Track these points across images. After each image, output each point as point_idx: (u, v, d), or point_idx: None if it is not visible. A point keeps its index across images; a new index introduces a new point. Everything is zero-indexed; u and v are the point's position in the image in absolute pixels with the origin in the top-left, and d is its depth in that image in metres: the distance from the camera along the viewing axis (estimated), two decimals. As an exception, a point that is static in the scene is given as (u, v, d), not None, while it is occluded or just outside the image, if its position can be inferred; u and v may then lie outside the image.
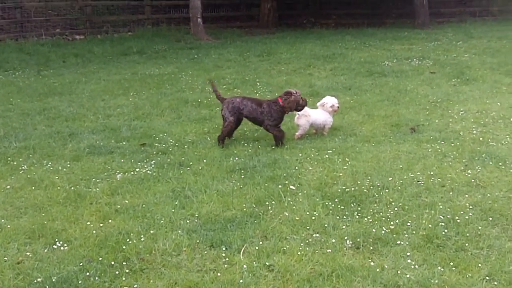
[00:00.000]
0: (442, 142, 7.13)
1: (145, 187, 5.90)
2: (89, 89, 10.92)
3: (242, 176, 6.12)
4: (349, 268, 4.22)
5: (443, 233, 4.74)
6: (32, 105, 9.66)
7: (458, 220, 4.96)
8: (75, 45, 16.64)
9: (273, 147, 7.08)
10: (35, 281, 4.11)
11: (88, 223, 5.06)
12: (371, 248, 4.56)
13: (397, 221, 4.98)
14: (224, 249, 4.56)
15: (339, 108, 7.73)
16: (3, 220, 5.14)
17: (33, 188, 5.93)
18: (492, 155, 6.58)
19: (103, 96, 10.31)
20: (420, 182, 5.86)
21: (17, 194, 5.79)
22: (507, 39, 16.78)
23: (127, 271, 4.26)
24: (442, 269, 4.21)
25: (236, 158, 6.70)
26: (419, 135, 7.49)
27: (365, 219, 5.04)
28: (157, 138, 7.60)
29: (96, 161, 6.75)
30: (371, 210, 5.22)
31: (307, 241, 4.68)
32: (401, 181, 5.88)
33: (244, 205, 5.37)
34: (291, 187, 5.79)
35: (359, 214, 5.14)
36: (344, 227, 4.90)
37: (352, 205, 5.33)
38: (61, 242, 4.70)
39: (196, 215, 5.18)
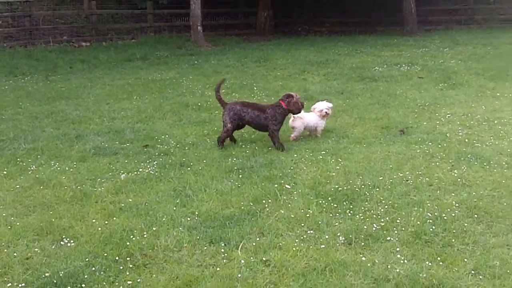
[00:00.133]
0: (430, 144, 7.13)
1: (147, 187, 5.89)
2: (95, 94, 10.92)
3: (240, 176, 6.12)
4: (342, 263, 4.22)
5: (431, 229, 4.75)
6: (41, 108, 9.65)
7: (445, 217, 4.97)
8: (82, 52, 16.63)
9: (270, 148, 7.08)
10: (43, 275, 4.10)
11: (94, 220, 5.06)
12: (363, 244, 4.56)
13: (387, 218, 4.99)
14: (223, 245, 4.56)
15: (327, 113, 7.60)
16: (12, 218, 5.13)
17: (41, 187, 5.92)
18: (477, 155, 6.59)
19: (108, 100, 10.30)
20: (409, 181, 5.86)
21: (26, 193, 5.78)
22: (491, 45, 16.81)
23: (131, 266, 4.26)
24: (430, 264, 4.21)
25: (234, 159, 6.70)
26: (408, 137, 7.49)
27: (357, 216, 5.05)
28: (159, 140, 7.59)
29: (101, 162, 6.74)
30: (362, 208, 5.23)
31: (302, 238, 4.68)
32: (391, 181, 5.89)
33: (242, 203, 5.36)
34: (287, 186, 5.79)
35: (351, 212, 5.14)
36: (337, 224, 4.90)
37: (345, 203, 5.33)
38: (68, 239, 4.70)
39: (196, 213, 5.17)
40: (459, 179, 5.90)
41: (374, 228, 4.77)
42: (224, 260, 4.34)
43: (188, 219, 5.05)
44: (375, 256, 4.34)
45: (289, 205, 5.32)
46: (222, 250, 4.47)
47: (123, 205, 5.42)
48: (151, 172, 6.32)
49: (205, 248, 4.53)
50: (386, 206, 5.24)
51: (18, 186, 5.95)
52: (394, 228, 4.79)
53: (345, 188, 5.69)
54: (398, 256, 4.33)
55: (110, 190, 5.81)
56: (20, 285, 4.01)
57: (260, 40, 20.36)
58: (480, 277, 4.05)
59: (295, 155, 6.79)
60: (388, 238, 4.61)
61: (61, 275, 4.08)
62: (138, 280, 4.06)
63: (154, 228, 4.86)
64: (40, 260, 4.35)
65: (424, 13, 22.92)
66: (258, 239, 4.65)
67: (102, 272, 4.15)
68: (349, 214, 5.10)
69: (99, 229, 4.86)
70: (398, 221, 4.93)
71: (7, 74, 13.29)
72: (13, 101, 10.33)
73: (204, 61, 15.06)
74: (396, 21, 21.94)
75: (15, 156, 6.96)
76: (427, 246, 4.50)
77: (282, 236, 4.72)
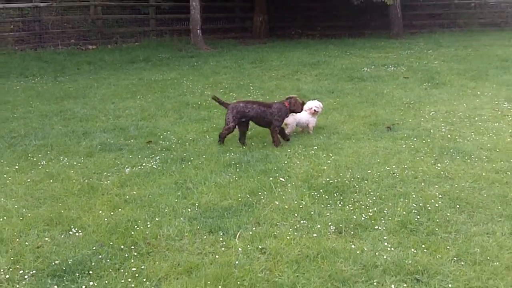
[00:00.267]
0: (415, 139, 7.14)
1: (151, 180, 5.88)
2: (101, 93, 10.88)
3: (237, 170, 6.11)
4: (333, 250, 4.23)
5: (416, 219, 4.75)
6: (50, 107, 9.62)
7: (429, 208, 4.98)
8: (88, 54, 16.57)
9: (265, 144, 7.07)
10: (53, 263, 4.10)
11: (100, 211, 5.05)
12: (352, 232, 4.56)
13: (375, 208, 4.99)
14: (221, 234, 4.55)
15: (316, 111, 7.57)
16: (24, 210, 5.12)
17: (51, 181, 5.91)
18: (459, 150, 6.60)
19: (113, 99, 10.27)
20: (395, 174, 5.87)
21: (37, 186, 5.77)
22: (472, 48, 16.82)
23: (135, 254, 4.25)
24: (415, 251, 4.22)
25: (232, 154, 6.69)
26: (394, 133, 7.50)
27: (347, 207, 5.05)
28: (161, 136, 7.58)
29: (107, 157, 6.73)
30: (352, 199, 5.23)
31: (295, 227, 4.68)
32: (379, 174, 5.89)
33: (239, 195, 5.36)
34: (281, 179, 5.79)
35: (341, 203, 5.15)
36: (328, 214, 4.90)
37: (335, 195, 5.33)
38: (76, 229, 4.69)
39: (197, 204, 5.17)
40: (442, 172, 5.91)
41: (363, 218, 4.78)
42: (223, 248, 4.34)
43: (189, 210, 5.05)
44: (364, 244, 4.35)
45: (283, 196, 5.32)
46: (221, 239, 4.47)
47: (127, 197, 5.41)
48: (154, 166, 6.31)
49: (205, 237, 4.53)
50: (374, 198, 5.25)
51: (29, 180, 5.94)
52: (382, 218, 4.80)
53: (335, 180, 5.69)
54: (386, 244, 4.34)
55: (116, 183, 5.80)
56: (31, 272, 4.00)
57: (256, 43, 20.31)
58: (462, 263, 4.06)
59: (289, 150, 6.79)
60: (376, 227, 4.62)
61: (70, 262, 4.08)
62: (142, 267, 4.06)
63: (157, 219, 4.85)
64: (50, 249, 4.34)
65: (409, 17, 22.95)
66: (254, 228, 4.65)
67: (108, 260, 4.15)
68: (340, 205, 5.10)
69: (106, 219, 4.85)
70: (385, 211, 4.94)
71: (19, 75, 13.24)
72: (24, 100, 10.29)
73: (203, 62, 15.03)
74: (383, 25, 21.93)
75: (26, 151, 6.94)
76: (412, 235, 4.51)
77: (277, 225, 4.72)
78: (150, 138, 7.52)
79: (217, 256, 4.20)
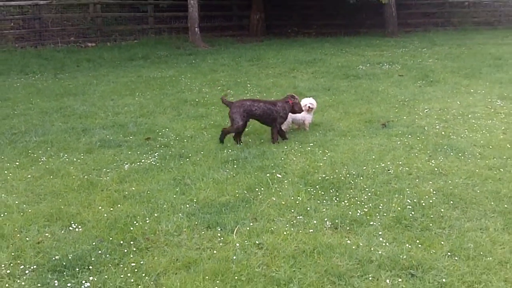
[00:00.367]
0: (409, 136, 7.14)
1: (149, 176, 5.88)
2: (100, 90, 10.86)
3: (235, 166, 6.11)
4: (329, 245, 4.23)
5: (410, 215, 4.76)
6: (50, 104, 9.60)
7: (423, 204, 4.98)
8: (88, 52, 16.52)
9: (262, 141, 7.07)
10: (54, 258, 4.09)
11: (100, 207, 5.04)
12: (348, 228, 4.57)
13: (370, 204, 5.00)
14: (219, 229, 4.55)
15: (311, 108, 7.53)
16: (24, 205, 5.11)
17: (51, 177, 5.90)
18: (452, 147, 6.61)
19: (112, 96, 10.25)
20: (390, 171, 5.87)
21: (37, 182, 5.76)
22: (466, 46, 16.83)
23: (134, 249, 4.25)
24: (409, 246, 4.23)
25: (230, 150, 6.69)
26: (389, 130, 7.50)
27: (343, 203, 5.05)
28: (160, 133, 7.57)
29: (106, 153, 6.71)
30: (347, 195, 5.23)
31: (292, 223, 4.68)
32: (374, 170, 5.89)
33: (236, 191, 5.36)
34: (278, 175, 5.78)
35: (337, 199, 5.15)
36: (324, 210, 4.91)
37: (331, 191, 5.34)
38: (76, 224, 4.69)
39: (195, 200, 5.17)
40: (436, 169, 5.92)
41: (358, 214, 4.78)
42: (221, 244, 4.34)
43: (187, 206, 5.04)
44: (359, 240, 4.35)
45: (280, 193, 5.32)
46: (219, 234, 4.47)
47: (127, 193, 5.40)
48: (152, 162, 6.31)
49: (203, 232, 4.53)
50: (369, 194, 5.25)
51: (29, 176, 5.92)
52: (377, 214, 4.80)
53: (331, 177, 5.69)
54: (381, 239, 4.35)
55: (115, 179, 5.79)
56: (32, 267, 4.00)
57: (253, 41, 20.28)
58: (456, 258, 4.07)
59: (286, 147, 6.79)
60: (371, 223, 4.63)
61: (70, 257, 4.08)
62: (141, 262, 4.06)
63: (155, 214, 4.85)
64: (50, 244, 4.34)
65: (404, 16, 22.94)
66: (251, 224, 4.65)
67: (107, 255, 4.15)
68: (335, 201, 5.10)
69: (105, 215, 4.85)
70: (380, 207, 4.94)
71: (19, 73, 13.20)
72: (24, 97, 10.26)
73: (201, 60, 15.01)
74: (378, 23, 21.92)
75: (27, 148, 6.92)
76: (407, 230, 4.51)
77: (273, 221, 4.72)
78: (149, 134, 7.51)
79: (215, 251, 4.20)
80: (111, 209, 5.01)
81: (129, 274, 3.90)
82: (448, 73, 11.99)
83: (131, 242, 4.35)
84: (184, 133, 7.56)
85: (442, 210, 4.88)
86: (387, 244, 4.28)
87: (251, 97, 7.54)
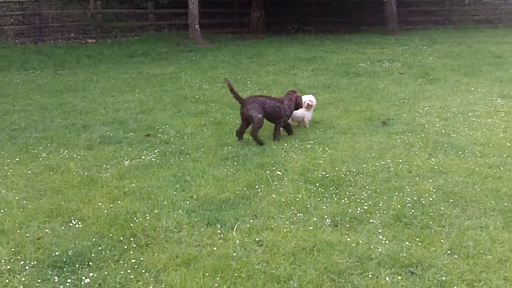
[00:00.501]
0: (409, 134, 7.14)
1: (149, 173, 5.87)
2: (100, 87, 10.85)
3: (235, 163, 6.10)
4: (329, 243, 4.23)
5: (410, 213, 4.76)
6: (50, 100, 9.59)
7: (423, 202, 4.98)
8: (88, 48, 16.52)
9: (262, 138, 7.05)
10: (54, 254, 4.09)
11: (100, 203, 5.04)
12: (348, 225, 4.57)
13: (370, 202, 5.00)
14: (219, 226, 4.55)
15: (309, 105, 7.49)
16: (25, 201, 5.11)
17: (51, 173, 5.89)
18: (453, 145, 6.61)
19: (112, 93, 10.24)
20: (390, 169, 5.87)
21: (37, 178, 5.75)
22: (466, 44, 16.83)
23: (134, 245, 4.25)
24: (409, 244, 4.23)
25: (230, 147, 6.68)
26: (389, 128, 7.50)
27: (342, 200, 5.05)
28: (160, 130, 7.56)
29: (106, 150, 6.71)
30: (347, 193, 5.23)
31: (292, 220, 4.68)
32: (374, 168, 5.89)
33: (236, 188, 5.36)
34: (278, 172, 5.78)
35: (337, 196, 5.15)
36: (324, 207, 4.91)
37: (331, 188, 5.34)
38: (76, 221, 4.69)
39: (195, 197, 5.17)
40: (436, 167, 5.91)
41: (358, 211, 4.78)
42: (220, 241, 4.34)
43: (187, 202, 5.04)
44: (359, 237, 4.35)
45: (280, 190, 5.32)
46: (219, 231, 4.47)
47: (127, 189, 5.40)
48: (152, 159, 6.30)
49: (203, 229, 4.53)
50: (369, 191, 5.25)
51: (29, 172, 5.92)
52: (377, 211, 4.80)
53: (331, 174, 5.69)
54: (380, 237, 4.35)
55: (115, 175, 5.79)
56: (32, 263, 4.00)
57: (253, 38, 20.28)
58: (455, 256, 4.07)
59: (286, 144, 6.79)
60: (371, 221, 4.63)
61: (70, 254, 4.07)
62: (141, 258, 4.06)
63: (155, 211, 4.84)
64: (50, 240, 4.34)
65: (404, 13, 22.96)
66: (251, 221, 4.65)
67: (107, 251, 4.15)
68: (335, 199, 5.10)
69: (105, 211, 4.85)
70: (380, 205, 4.94)
71: (19, 69, 13.19)
72: (24, 93, 10.25)
73: (201, 57, 15.00)
74: (378, 21, 21.93)
75: (27, 144, 6.92)
76: (406, 228, 4.51)
77: (273, 218, 4.72)
78: (149, 131, 7.50)
79: (215, 248, 4.20)
80: (111, 205, 5.01)
81: (129, 271, 3.89)
82: (449, 71, 11.99)
83: (131, 239, 4.35)
84: (184, 130, 7.56)
85: (442, 208, 4.88)
86: (387, 241, 4.28)
87: (261, 94, 7.51)
